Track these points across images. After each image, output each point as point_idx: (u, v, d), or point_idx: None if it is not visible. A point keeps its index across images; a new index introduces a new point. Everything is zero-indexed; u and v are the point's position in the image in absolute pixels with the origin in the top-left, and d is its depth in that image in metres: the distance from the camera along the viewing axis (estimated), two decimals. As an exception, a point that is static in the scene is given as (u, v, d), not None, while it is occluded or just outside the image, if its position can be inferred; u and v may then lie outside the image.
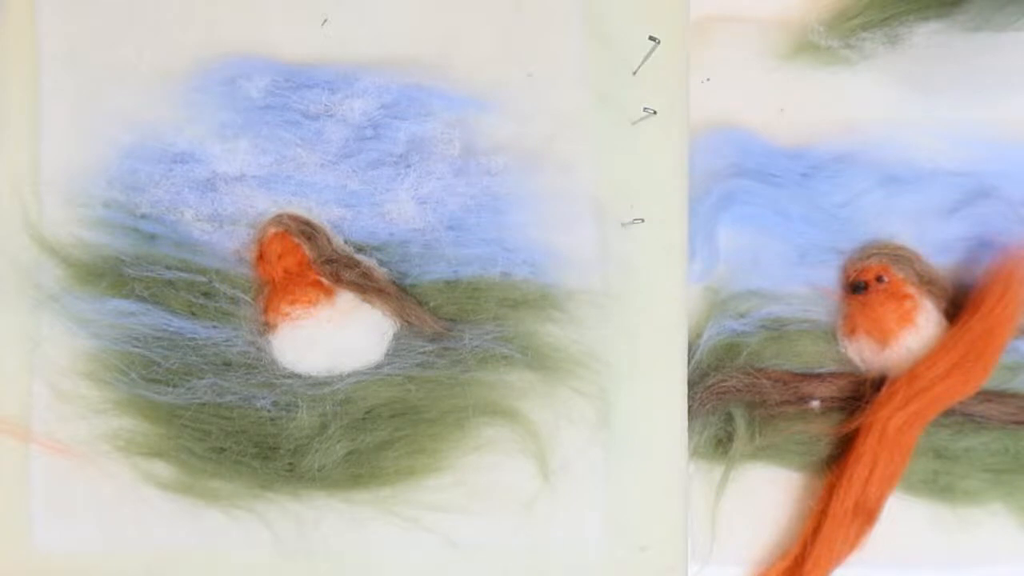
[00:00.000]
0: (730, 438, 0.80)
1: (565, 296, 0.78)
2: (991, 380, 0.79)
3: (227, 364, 0.77)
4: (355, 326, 0.77)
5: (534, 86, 0.79)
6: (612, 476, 0.77)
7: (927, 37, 0.83)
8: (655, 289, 0.78)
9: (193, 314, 0.77)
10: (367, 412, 0.77)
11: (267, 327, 0.77)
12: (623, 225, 0.78)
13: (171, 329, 0.77)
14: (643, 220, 0.78)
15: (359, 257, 0.78)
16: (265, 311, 0.77)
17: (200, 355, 0.77)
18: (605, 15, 0.79)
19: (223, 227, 0.78)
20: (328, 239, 0.78)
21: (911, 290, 0.81)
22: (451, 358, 0.77)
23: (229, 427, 0.76)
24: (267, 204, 0.78)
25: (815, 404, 0.80)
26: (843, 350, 0.82)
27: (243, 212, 0.78)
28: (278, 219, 0.78)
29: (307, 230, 0.77)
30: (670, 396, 0.78)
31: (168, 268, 0.77)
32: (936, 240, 0.82)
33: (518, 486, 0.77)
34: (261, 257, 0.78)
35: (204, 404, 0.76)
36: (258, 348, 0.77)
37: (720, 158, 0.82)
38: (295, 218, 0.78)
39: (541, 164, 0.79)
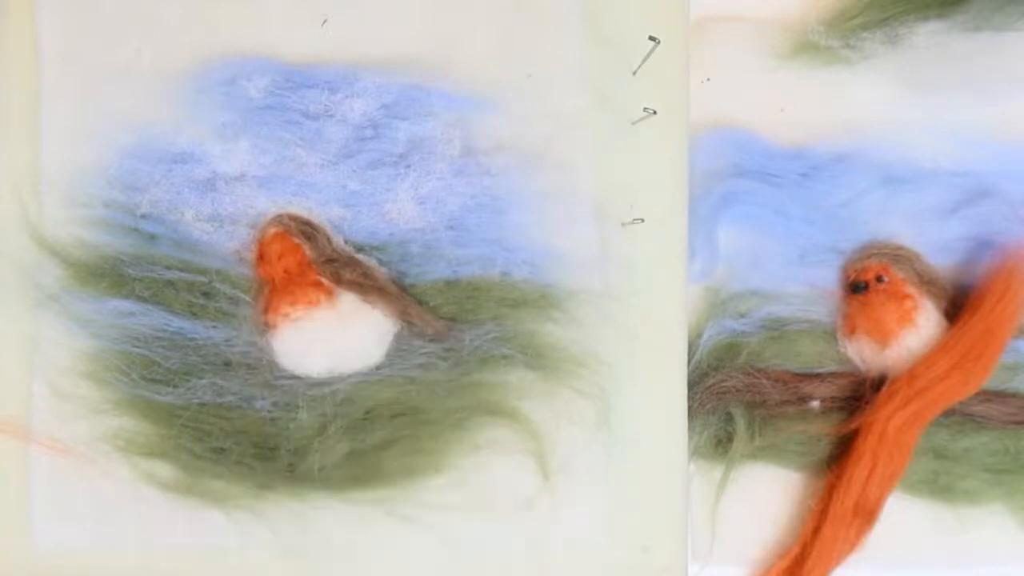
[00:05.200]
0: (730, 438, 0.80)
1: (565, 296, 0.78)
2: (991, 380, 0.79)
3: (227, 364, 0.77)
4: (355, 326, 0.77)
5: (534, 86, 0.79)
6: (612, 476, 0.77)
7: (927, 37, 0.83)
8: (655, 289, 0.78)
9: (193, 314, 0.77)
10: (367, 412, 0.77)
11: (267, 327, 0.77)
12: (623, 225, 0.78)
13: (171, 329, 0.77)
14: (643, 220, 0.78)
15: (359, 257, 0.78)
16: (265, 311, 0.77)
17: (200, 355, 0.77)
18: (605, 15, 0.79)
19: (223, 227, 0.78)
20: (328, 239, 0.78)
21: (911, 290, 0.81)
22: (451, 358, 0.77)
23: (229, 427, 0.76)
24: (267, 204, 0.78)
25: (815, 404, 0.80)
26: (843, 350, 0.81)
27: (243, 212, 0.78)
28: (278, 219, 0.78)
29: (307, 230, 0.77)
30: (670, 396, 0.78)
31: (168, 268, 0.77)
32: (936, 240, 0.82)
33: (518, 486, 0.77)
34: (261, 257, 0.78)
35: (204, 404, 0.76)
36: (258, 348, 0.77)
37: (720, 158, 0.82)
38: (295, 218, 0.78)
39: (541, 164, 0.79)
